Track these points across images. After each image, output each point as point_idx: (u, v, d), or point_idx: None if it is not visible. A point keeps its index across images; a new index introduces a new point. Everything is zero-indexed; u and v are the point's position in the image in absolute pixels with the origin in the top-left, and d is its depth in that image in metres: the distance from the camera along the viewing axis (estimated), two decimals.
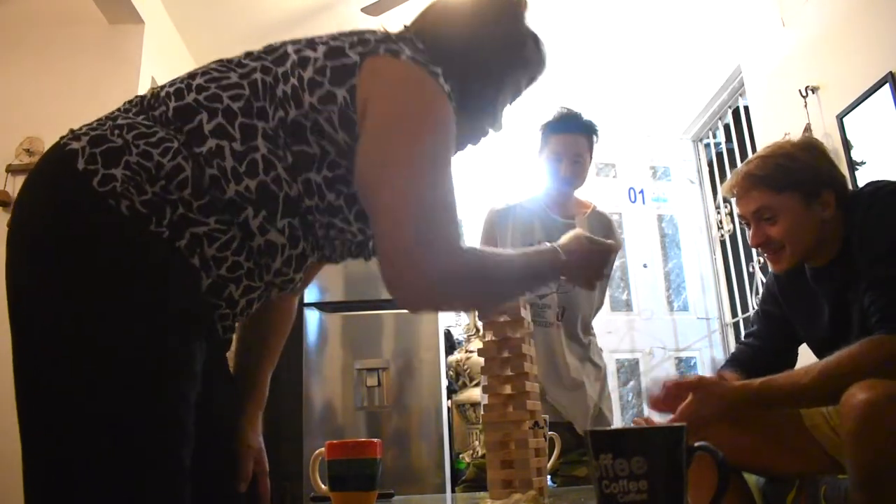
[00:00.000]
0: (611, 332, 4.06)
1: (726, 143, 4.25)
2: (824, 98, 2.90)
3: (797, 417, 1.45)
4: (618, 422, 3.67)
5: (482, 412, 1.08)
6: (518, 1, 1.05)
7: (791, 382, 1.27)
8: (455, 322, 4.00)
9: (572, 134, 2.04)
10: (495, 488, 1.03)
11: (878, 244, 1.29)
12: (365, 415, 3.06)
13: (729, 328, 4.26)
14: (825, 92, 2.90)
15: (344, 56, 0.87)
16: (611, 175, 4.45)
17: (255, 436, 1.01)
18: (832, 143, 2.77)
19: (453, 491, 2.90)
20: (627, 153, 4.45)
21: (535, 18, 1.06)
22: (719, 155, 4.38)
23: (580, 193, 2.16)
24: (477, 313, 1.11)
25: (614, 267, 2.26)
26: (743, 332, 1.70)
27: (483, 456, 1.74)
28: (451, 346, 3.61)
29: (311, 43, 0.91)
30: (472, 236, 2.30)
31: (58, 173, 0.81)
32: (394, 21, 1.17)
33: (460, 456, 3.18)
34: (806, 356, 1.58)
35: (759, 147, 2.61)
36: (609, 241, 1.11)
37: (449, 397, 3.26)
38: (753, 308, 3.66)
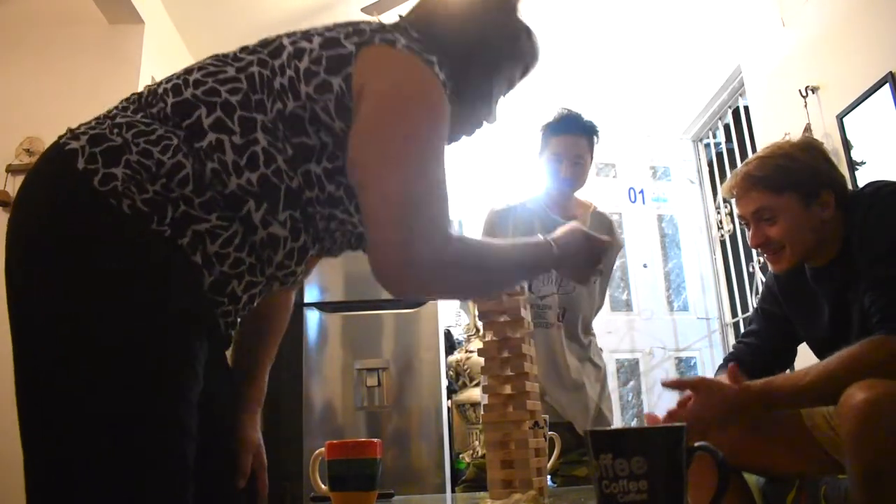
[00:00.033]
0: (611, 332, 4.06)
1: (726, 143, 4.25)
2: (824, 98, 2.90)
3: (797, 417, 1.45)
4: (618, 422, 3.67)
5: (482, 412, 1.08)
6: None
7: (792, 383, 1.27)
8: (455, 322, 4.00)
9: (573, 135, 2.03)
10: (495, 488, 1.03)
11: (879, 244, 1.29)
12: (365, 415, 3.06)
13: (729, 328, 4.26)
14: (825, 92, 2.90)
15: (340, 46, 0.88)
16: (611, 175, 4.45)
17: (253, 431, 1.01)
18: (832, 143, 2.77)
19: (453, 491, 2.90)
20: (627, 153, 4.45)
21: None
22: (719, 155, 4.38)
23: (580, 194, 2.16)
24: (477, 313, 1.10)
25: (614, 267, 2.26)
26: (742, 332, 1.70)
27: (483, 456, 1.74)
28: (451, 346, 3.61)
29: (307, 35, 0.91)
30: (472, 236, 2.30)
31: (57, 173, 0.81)
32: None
33: (460, 456, 3.18)
34: (805, 356, 1.58)
35: (759, 147, 2.61)
36: (605, 237, 1.11)
37: (449, 397, 3.26)
38: (753, 308, 3.66)
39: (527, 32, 1.06)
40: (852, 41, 2.71)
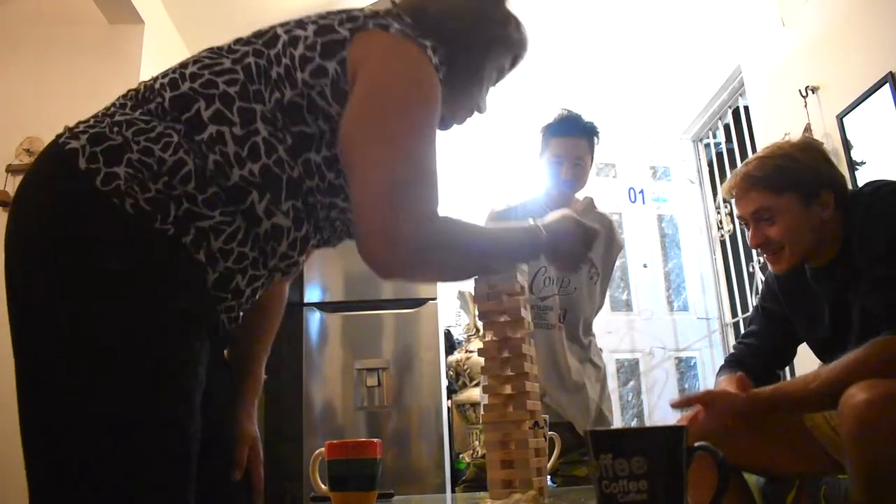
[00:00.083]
0: (611, 332, 4.06)
1: (726, 143, 4.25)
2: (824, 98, 2.90)
3: (797, 417, 1.45)
4: (618, 422, 3.67)
5: (482, 412, 1.08)
6: None
7: (801, 388, 1.27)
8: (455, 322, 4.00)
9: (573, 137, 2.03)
10: (495, 488, 1.03)
11: (878, 244, 1.29)
12: (365, 415, 3.06)
13: (729, 328, 4.26)
14: (825, 92, 2.90)
15: (334, 32, 0.88)
16: (611, 175, 4.44)
17: (249, 423, 1.02)
18: (832, 143, 2.77)
19: (453, 491, 2.90)
20: (627, 153, 4.45)
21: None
22: (719, 155, 4.38)
23: (580, 194, 2.16)
24: (477, 313, 1.10)
25: (615, 267, 2.26)
26: (743, 332, 1.70)
27: (483, 456, 1.74)
28: (451, 346, 3.61)
29: (301, 23, 0.91)
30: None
31: (58, 173, 0.81)
32: None
33: (460, 456, 3.19)
34: (805, 355, 1.58)
35: (759, 147, 2.61)
36: (596, 225, 1.11)
37: (449, 397, 3.26)
38: (753, 307, 3.66)
39: (516, 22, 1.06)
40: (852, 41, 2.71)
